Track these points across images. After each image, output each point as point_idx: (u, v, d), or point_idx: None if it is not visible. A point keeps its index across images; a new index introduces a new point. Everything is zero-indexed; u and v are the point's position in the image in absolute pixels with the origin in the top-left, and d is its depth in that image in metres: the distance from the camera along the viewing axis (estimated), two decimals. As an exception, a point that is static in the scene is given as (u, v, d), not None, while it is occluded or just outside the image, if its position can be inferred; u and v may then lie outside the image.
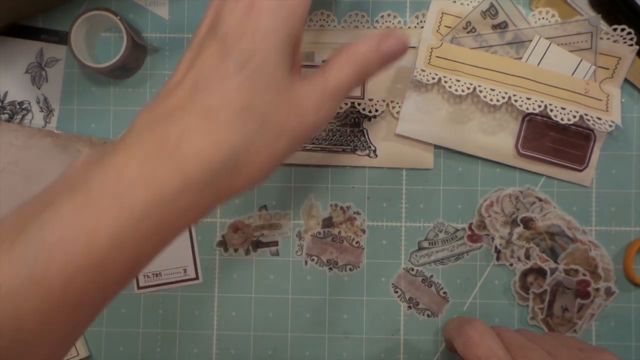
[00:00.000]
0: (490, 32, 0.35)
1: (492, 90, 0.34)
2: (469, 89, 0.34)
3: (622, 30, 0.34)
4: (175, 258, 0.37)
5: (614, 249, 0.36)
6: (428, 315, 0.36)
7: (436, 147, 0.36)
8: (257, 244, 0.37)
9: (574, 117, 0.34)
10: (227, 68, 0.22)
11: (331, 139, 0.37)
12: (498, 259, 0.36)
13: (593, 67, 0.34)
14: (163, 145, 0.21)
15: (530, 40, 0.35)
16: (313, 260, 0.37)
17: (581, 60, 0.35)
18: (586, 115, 0.34)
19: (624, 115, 0.36)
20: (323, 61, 0.37)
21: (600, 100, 0.34)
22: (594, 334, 0.36)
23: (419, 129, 0.36)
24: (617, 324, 0.35)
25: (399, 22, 0.37)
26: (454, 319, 0.35)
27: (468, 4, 0.36)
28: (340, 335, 0.37)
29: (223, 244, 0.37)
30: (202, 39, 0.24)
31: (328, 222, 0.37)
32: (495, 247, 0.36)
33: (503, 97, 0.34)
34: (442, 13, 0.36)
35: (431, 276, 0.36)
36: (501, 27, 0.35)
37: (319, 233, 0.37)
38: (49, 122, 0.37)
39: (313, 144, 0.37)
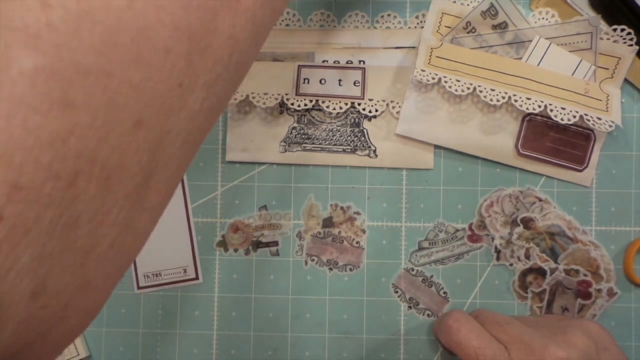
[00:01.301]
0: (490, 32, 0.35)
1: (492, 90, 0.34)
2: (469, 89, 0.34)
3: (622, 30, 0.34)
4: (175, 258, 0.37)
5: (614, 249, 0.36)
6: (428, 315, 0.36)
7: (436, 147, 0.36)
8: (257, 244, 0.37)
9: (574, 117, 0.34)
10: None
11: (331, 139, 0.37)
12: (498, 259, 0.36)
13: (593, 67, 0.35)
14: None
15: (530, 41, 0.35)
16: (313, 260, 0.37)
17: (581, 61, 0.35)
18: (586, 115, 0.34)
19: (624, 115, 0.36)
20: (323, 61, 0.37)
21: (600, 100, 0.34)
22: (594, 334, 0.36)
23: (419, 129, 0.36)
24: (617, 324, 0.35)
25: (399, 22, 0.37)
26: (438, 317, 0.36)
27: (468, 4, 0.36)
28: (340, 335, 0.37)
29: (223, 244, 0.37)
30: None
31: (328, 222, 0.37)
32: (495, 247, 0.36)
33: (503, 97, 0.34)
34: (442, 13, 0.36)
35: (431, 276, 0.36)
36: (501, 27, 0.35)
37: (319, 233, 0.37)
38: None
39: (313, 144, 0.37)
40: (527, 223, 0.35)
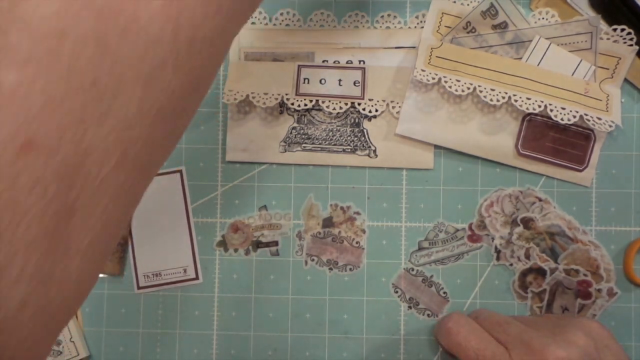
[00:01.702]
0: (490, 32, 0.35)
1: (492, 90, 0.34)
2: (469, 89, 0.34)
3: (622, 30, 0.34)
4: (175, 258, 0.37)
5: (614, 249, 0.36)
6: (428, 315, 0.36)
7: (436, 147, 0.36)
8: (257, 244, 0.37)
9: (574, 117, 0.34)
10: None
11: (331, 139, 0.37)
12: (498, 258, 0.36)
13: (593, 67, 0.35)
14: None
15: (530, 40, 0.35)
16: (313, 260, 0.37)
17: (581, 60, 0.35)
18: (586, 115, 0.34)
19: (624, 115, 0.36)
20: (323, 61, 0.37)
21: (600, 100, 0.34)
22: (594, 334, 0.36)
23: (419, 129, 0.36)
24: (617, 324, 0.35)
25: (399, 22, 0.37)
26: (438, 320, 0.36)
27: (468, 4, 0.36)
28: (340, 335, 0.37)
29: (223, 244, 0.37)
30: None
31: (328, 222, 0.37)
32: (495, 247, 0.36)
33: (503, 97, 0.34)
34: (442, 13, 0.36)
35: (431, 276, 0.36)
36: (501, 27, 0.35)
37: (319, 233, 0.37)
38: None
39: (313, 144, 0.37)
40: (527, 223, 0.35)
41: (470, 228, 0.36)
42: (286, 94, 0.36)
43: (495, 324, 0.31)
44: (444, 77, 0.35)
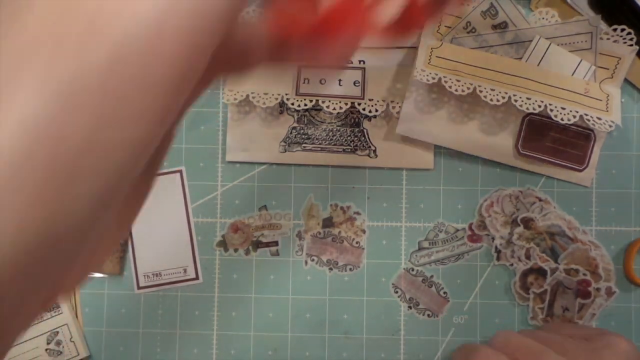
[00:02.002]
0: (490, 32, 0.35)
1: (492, 90, 0.34)
2: (469, 89, 0.34)
3: (622, 30, 0.34)
4: (175, 258, 0.37)
5: (614, 249, 0.36)
6: (428, 315, 0.36)
7: (436, 147, 0.36)
8: (257, 244, 0.37)
9: (574, 117, 0.34)
10: None
11: (331, 139, 0.37)
12: (498, 259, 0.36)
13: (593, 67, 0.34)
14: None
15: (530, 40, 0.35)
16: (313, 260, 0.37)
17: (581, 60, 0.35)
18: (586, 115, 0.34)
19: (623, 115, 0.36)
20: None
21: (600, 100, 0.34)
22: (594, 334, 0.36)
23: (419, 129, 0.36)
24: (617, 324, 0.35)
25: (399, 22, 0.37)
26: (460, 350, 0.34)
27: (468, 4, 0.36)
28: (340, 335, 0.37)
29: (223, 244, 0.37)
30: None
31: (328, 222, 0.37)
32: (496, 247, 0.36)
33: (503, 97, 0.34)
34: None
35: (431, 276, 0.36)
36: (501, 27, 0.35)
37: (319, 233, 0.37)
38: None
39: (313, 144, 0.37)
40: (527, 223, 0.35)
41: (470, 228, 0.36)
42: (286, 94, 0.36)
43: (530, 355, 0.29)
44: (444, 77, 0.34)
